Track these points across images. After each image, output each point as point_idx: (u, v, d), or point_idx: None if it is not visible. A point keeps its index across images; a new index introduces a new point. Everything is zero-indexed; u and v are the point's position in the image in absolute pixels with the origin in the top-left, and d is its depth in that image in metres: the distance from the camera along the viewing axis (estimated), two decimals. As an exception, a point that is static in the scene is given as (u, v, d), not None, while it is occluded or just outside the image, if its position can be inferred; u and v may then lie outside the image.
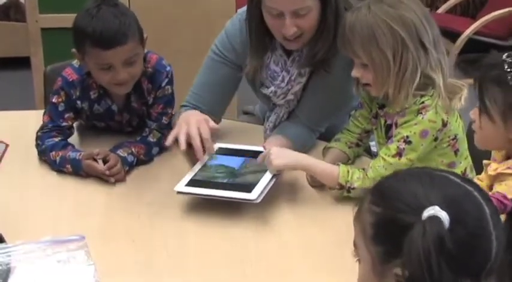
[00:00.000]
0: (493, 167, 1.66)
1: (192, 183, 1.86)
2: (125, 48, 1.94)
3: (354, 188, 1.84)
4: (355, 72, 1.87)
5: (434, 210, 1.02)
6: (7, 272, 1.57)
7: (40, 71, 3.15)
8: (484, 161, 1.71)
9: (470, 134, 1.88)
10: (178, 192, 1.84)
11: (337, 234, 1.75)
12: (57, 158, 2.02)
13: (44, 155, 2.06)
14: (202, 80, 2.19)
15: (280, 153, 1.87)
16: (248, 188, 1.80)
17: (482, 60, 1.63)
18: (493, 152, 1.72)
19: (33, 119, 2.37)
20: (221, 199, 1.81)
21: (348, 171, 1.85)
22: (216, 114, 2.17)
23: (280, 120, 2.17)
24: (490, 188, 1.69)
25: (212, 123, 2.02)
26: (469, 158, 1.98)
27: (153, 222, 1.81)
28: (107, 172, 1.95)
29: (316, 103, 2.11)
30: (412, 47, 1.78)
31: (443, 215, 1.02)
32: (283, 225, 1.81)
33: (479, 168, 1.93)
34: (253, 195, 1.77)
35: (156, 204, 1.86)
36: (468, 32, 4.73)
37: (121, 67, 1.96)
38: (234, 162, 1.94)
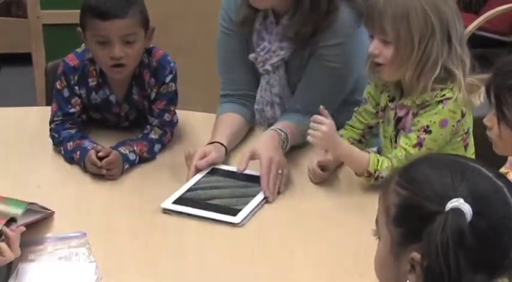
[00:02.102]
0: (510, 176, 1.64)
1: (179, 201, 1.85)
2: (123, 22, 1.95)
3: (382, 177, 1.86)
4: (373, 48, 1.85)
5: (458, 202, 1.02)
6: (8, 269, 1.56)
7: (41, 67, 3.15)
8: (501, 169, 1.69)
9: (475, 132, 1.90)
10: (164, 209, 1.83)
11: (340, 232, 1.75)
12: (73, 147, 2.04)
13: (60, 145, 2.07)
14: (220, 61, 2.23)
15: (328, 136, 1.86)
16: (234, 211, 1.80)
17: (494, 67, 1.60)
18: (509, 158, 1.71)
19: (34, 115, 2.37)
20: (205, 218, 1.80)
21: (378, 160, 1.86)
22: (253, 89, 2.21)
23: (263, 94, 2.18)
24: None
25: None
26: (474, 153, 1.98)
27: (154, 220, 1.80)
28: (98, 164, 1.95)
29: (311, 87, 2.12)
30: (439, 37, 1.79)
31: (467, 208, 1.01)
32: (285, 224, 1.80)
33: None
34: (237, 219, 1.77)
35: (158, 201, 1.85)
36: (471, 27, 4.71)
37: (117, 43, 1.96)
38: (226, 184, 1.93)
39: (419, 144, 1.84)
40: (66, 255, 1.64)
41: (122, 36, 1.96)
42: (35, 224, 1.72)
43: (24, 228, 1.60)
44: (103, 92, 2.12)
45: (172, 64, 2.11)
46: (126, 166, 2.01)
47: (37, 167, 2.05)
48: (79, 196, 1.91)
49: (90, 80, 2.11)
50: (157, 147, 2.11)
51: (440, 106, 1.83)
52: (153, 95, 2.12)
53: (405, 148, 1.85)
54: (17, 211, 1.62)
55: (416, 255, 1.05)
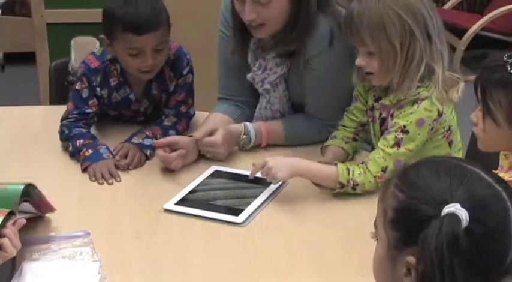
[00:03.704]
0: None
1: (181, 202, 1.85)
2: (157, 34, 1.98)
3: (357, 184, 1.84)
4: (359, 61, 1.86)
5: (454, 208, 1.01)
6: (12, 268, 1.56)
7: (45, 66, 3.16)
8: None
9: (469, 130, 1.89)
10: (166, 210, 1.83)
11: (341, 232, 1.75)
12: (82, 144, 2.03)
13: (68, 141, 2.07)
14: (219, 65, 2.23)
15: (279, 165, 1.84)
16: (236, 211, 1.80)
17: (482, 63, 1.62)
18: (500, 160, 1.71)
19: (38, 114, 2.37)
20: (208, 218, 1.80)
21: (348, 169, 1.85)
22: (249, 96, 2.20)
23: (263, 111, 2.18)
24: None
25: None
26: (462, 149, 1.99)
27: (158, 219, 1.80)
28: (117, 178, 1.96)
29: (313, 98, 2.12)
30: (419, 37, 1.79)
31: (463, 214, 1.00)
32: (287, 223, 1.80)
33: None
34: (240, 219, 1.78)
35: (162, 201, 1.85)
36: (475, 27, 4.72)
37: (150, 53, 1.98)
38: (228, 185, 1.94)
39: (397, 144, 1.84)
40: (70, 254, 1.64)
41: (155, 45, 1.99)
42: (38, 223, 1.73)
43: (24, 221, 1.59)
44: (123, 90, 2.14)
45: (188, 56, 2.15)
46: (147, 152, 2.03)
47: (40, 166, 2.05)
48: (83, 195, 1.91)
49: (111, 80, 2.12)
50: (172, 132, 2.11)
51: (415, 106, 1.82)
52: (171, 88, 2.14)
53: (383, 149, 1.85)
54: (16, 192, 1.61)
55: (412, 259, 1.04)
